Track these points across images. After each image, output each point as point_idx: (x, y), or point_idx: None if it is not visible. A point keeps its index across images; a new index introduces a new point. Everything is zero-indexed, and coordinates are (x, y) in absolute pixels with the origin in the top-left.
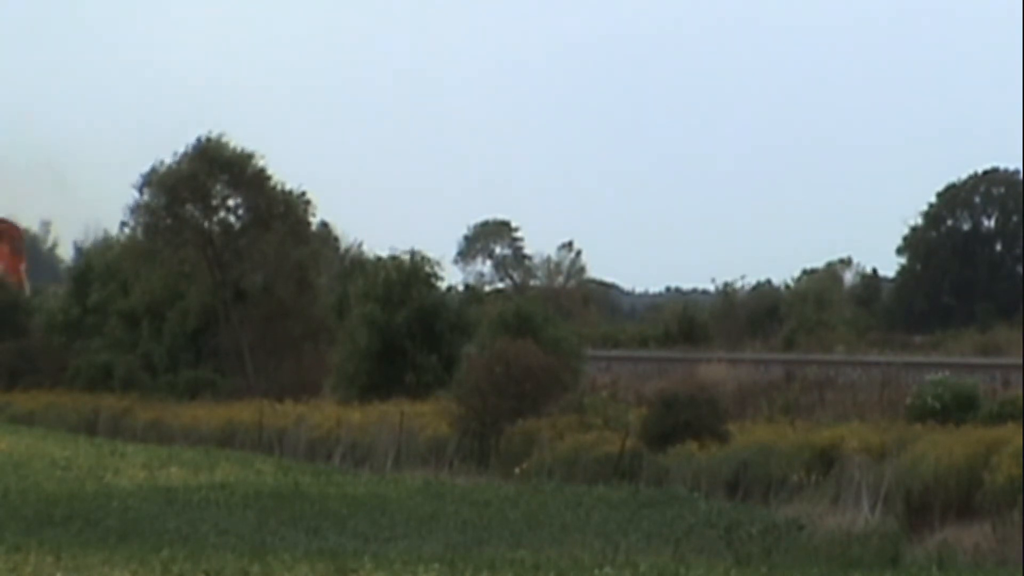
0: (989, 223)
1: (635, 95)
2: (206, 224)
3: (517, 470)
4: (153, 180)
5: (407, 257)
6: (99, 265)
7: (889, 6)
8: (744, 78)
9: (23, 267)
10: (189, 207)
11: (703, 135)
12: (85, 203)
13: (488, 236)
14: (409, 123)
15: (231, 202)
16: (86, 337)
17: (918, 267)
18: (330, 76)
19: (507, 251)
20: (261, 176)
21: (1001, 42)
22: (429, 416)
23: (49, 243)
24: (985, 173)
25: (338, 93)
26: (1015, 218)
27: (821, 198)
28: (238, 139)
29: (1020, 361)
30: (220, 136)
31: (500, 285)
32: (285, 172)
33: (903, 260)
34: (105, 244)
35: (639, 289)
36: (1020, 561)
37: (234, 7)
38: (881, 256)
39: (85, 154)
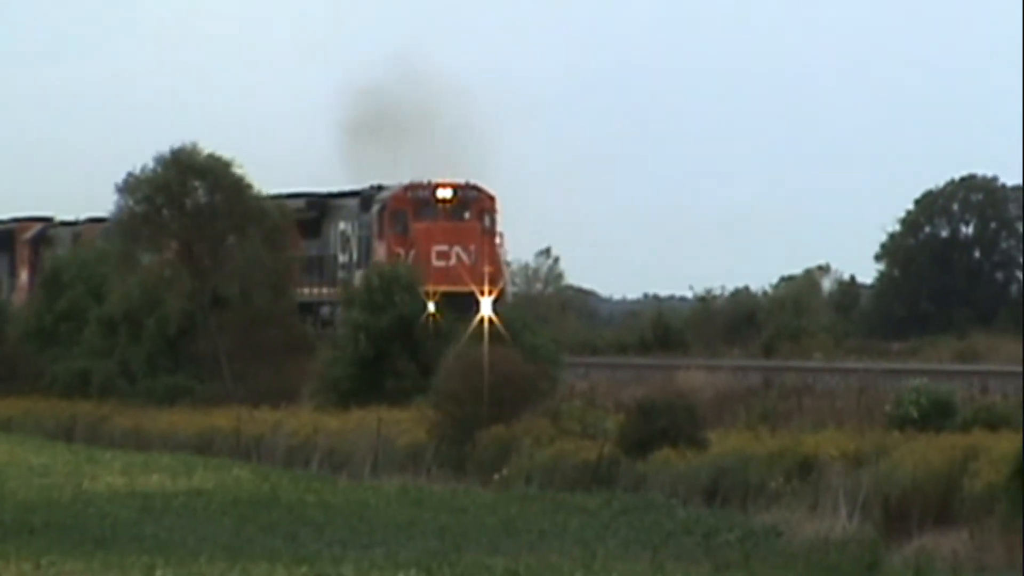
0: (967, 230)
1: (611, 101)
2: (184, 230)
3: (497, 476)
4: (130, 186)
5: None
6: (70, 270)
7: (867, 14)
8: (722, 84)
9: None
10: (166, 213)
11: (680, 142)
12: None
13: None
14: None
15: (209, 209)
16: (60, 343)
17: (896, 274)
18: (314, 79)
19: None
20: (239, 183)
21: (979, 49)
22: (407, 423)
23: None
24: (962, 180)
25: (315, 96)
26: (993, 225)
27: (799, 204)
28: (216, 146)
29: (999, 368)
30: (194, 144)
31: None
32: (264, 178)
33: (881, 267)
34: (74, 249)
35: (617, 296)
36: (999, 567)
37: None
38: (859, 263)
39: (62, 157)
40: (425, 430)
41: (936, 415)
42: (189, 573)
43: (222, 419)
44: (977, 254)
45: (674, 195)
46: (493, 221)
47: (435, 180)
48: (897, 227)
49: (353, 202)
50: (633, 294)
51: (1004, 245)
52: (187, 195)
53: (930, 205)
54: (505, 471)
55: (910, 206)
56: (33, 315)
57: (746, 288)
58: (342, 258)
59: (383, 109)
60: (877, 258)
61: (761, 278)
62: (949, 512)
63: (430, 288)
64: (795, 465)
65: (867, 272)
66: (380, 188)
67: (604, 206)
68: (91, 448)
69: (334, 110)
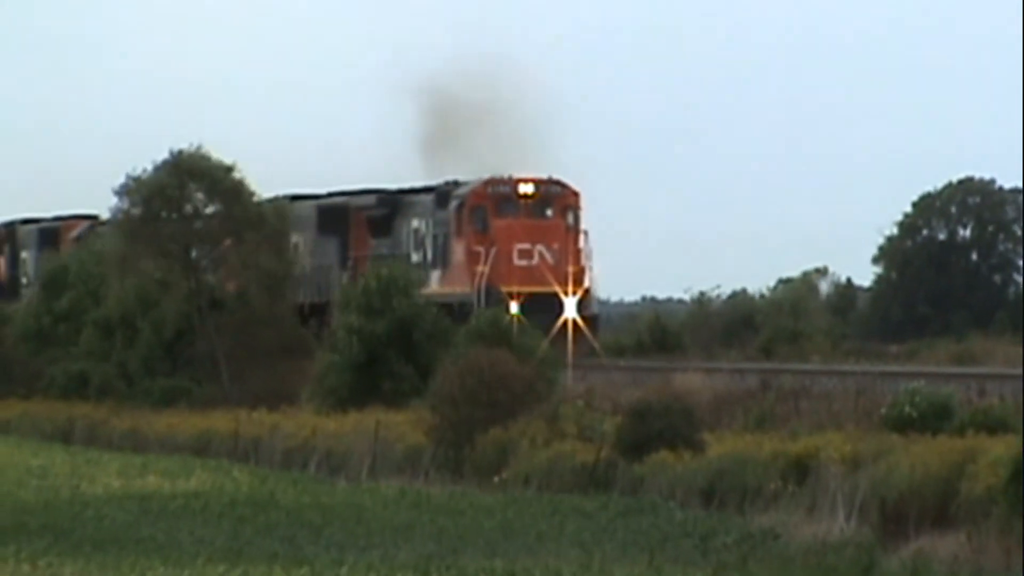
0: (964, 232)
1: (606, 103)
2: (181, 234)
3: (495, 479)
4: (129, 189)
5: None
6: (70, 271)
7: (863, 16)
8: (719, 87)
9: None
10: (165, 215)
11: (677, 144)
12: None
13: None
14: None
15: (207, 210)
16: (58, 345)
17: (893, 276)
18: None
19: None
20: (238, 186)
21: (976, 51)
22: (404, 425)
23: None
24: (960, 182)
25: (314, 101)
26: (990, 227)
27: (796, 207)
28: (218, 149)
29: (997, 371)
30: (199, 147)
31: None
32: (264, 181)
33: (878, 269)
34: (76, 250)
35: (614, 298)
36: (997, 570)
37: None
38: (856, 265)
39: (61, 161)
40: (423, 433)
41: (933, 418)
42: (186, 575)
43: (220, 421)
44: (975, 257)
45: (672, 198)
46: (577, 218)
47: (516, 175)
48: (894, 230)
49: (427, 198)
50: (631, 296)
51: (1001, 248)
52: (185, 199)
53: (927, 208)
54: (503, 474)
55: (907, 209)
56: (32, 316)
57: (743, 291)
58: (415, 257)
59: (450, 102)
60: (874, 261)
61: (758, 280)
62: (947, 515)
63: (512, 289)
64: (793, 467)
65: (864, 275)
66: (457, 184)
67: (601, 209)
68: (89, 450)
69: (400, 107)
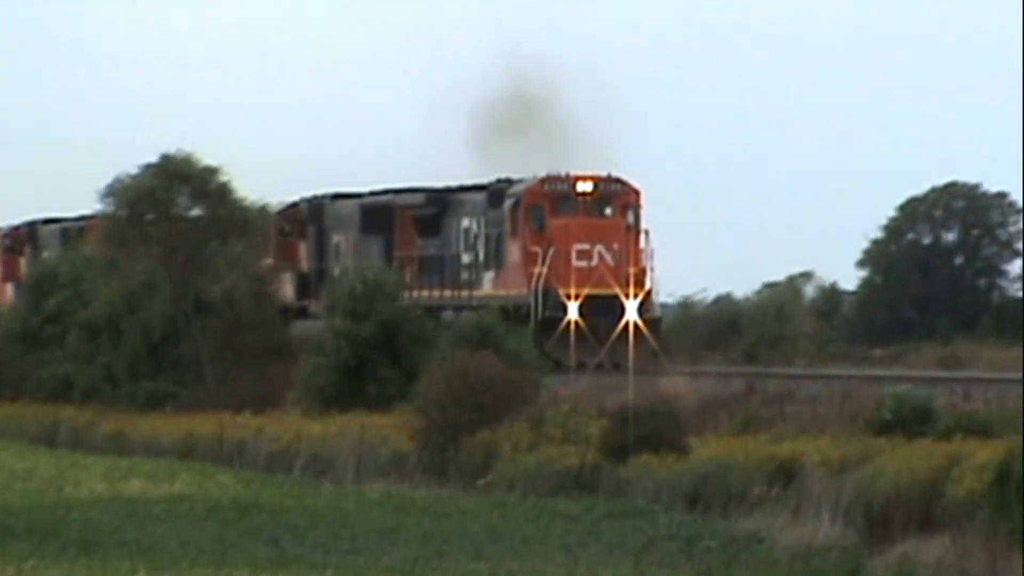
0: (949, 236)
1: (582, 108)
2: (167, 236)
3: (480, 482)
4: (116, 192)
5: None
6: (59, 273)
7: (847, 18)
8: (702, 89)
9: None
10: (150, 219)
11: (659, 147)
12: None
13: None
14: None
15: (193, 213)
16: (45, 347)
17: (879, 280)
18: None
19: None
20: (224, 189)
21: (963, 54)
22: (390, 428)
23: None
24: (945, 187)
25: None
26: (975, 231)
27: (781, 211)
28: (205, 152)
29: (982, 375)
30: (186, 151)
31: None
32: (252, 185)
33: (864, 273)
34: (63, 252)
35: None
36: (981, 574)
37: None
38: (842, 269)
39: (50, 162)
40: (408, 436)
41: (917, 421)
42: None
43: (204, 424)
44: (960, 260)
45: (655, 201)
46: (638, 217)
47: (574, 172)
48: (880, 234)
49: (479, 197)
50: None
51: (986, 252)
52: (171, 202)
53: (913, 212)
54: (488, 477)
55: (893, 213)
56: (18, 318)
57: (728, 294)
58: (466, 258)
59: (500, 98)
60: (859, 264)
61: (744, 284)
62: (931, 519)
63: (571, 290)
64: (777, 471)
65: (850, 279)
66: (510, 181)
67: None
68: (74, 453)
69: (448, 103)
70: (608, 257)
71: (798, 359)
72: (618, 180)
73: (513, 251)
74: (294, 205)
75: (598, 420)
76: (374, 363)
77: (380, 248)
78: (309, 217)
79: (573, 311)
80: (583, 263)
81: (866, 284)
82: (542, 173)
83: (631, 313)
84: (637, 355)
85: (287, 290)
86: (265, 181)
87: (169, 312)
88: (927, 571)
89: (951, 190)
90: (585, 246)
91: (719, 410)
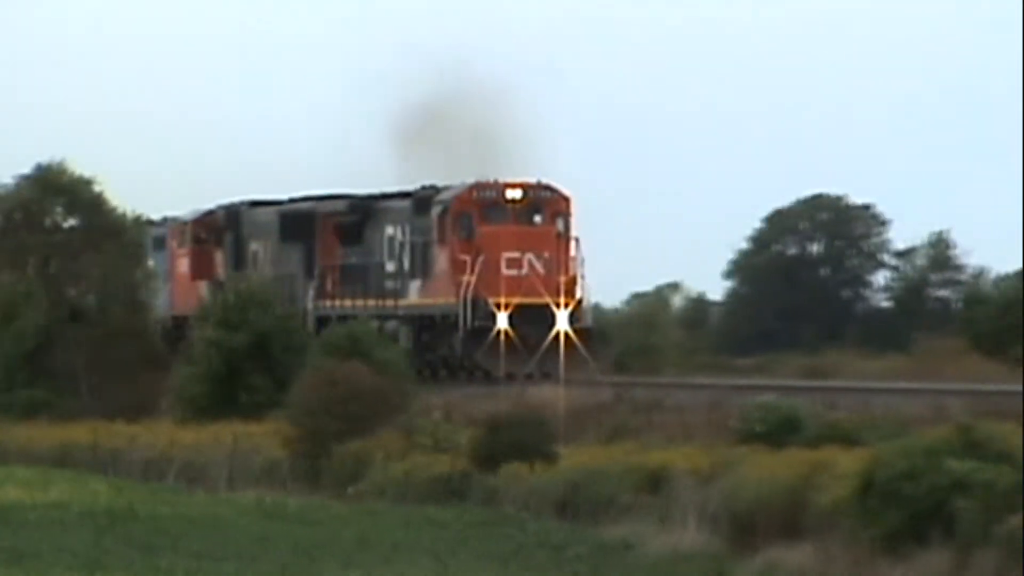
0: (815, 248)
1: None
2: (42, 247)
3: (351, 490)
4: None
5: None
6: None
7: (722, 28)
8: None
9: None
10: (24, 231)
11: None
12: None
13: None
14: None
15: (68, 223)
16: None
17: (744, 291)
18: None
19: None
20: (98, 199)
21: (828, 66)
22: (262, 437)
23: None
24: (811, 198)
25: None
26: (839, 243)
27: (650, 222)
28: (82, 163)
29: (847, 384)
30: (60, 162)
31: None
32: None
33: (730, 284)
34: None
35: None
36: None
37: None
38: (709, 280)
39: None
40: (280, 444)
41: (782, 430)
42: None
43: (79, 433)
44: (824, 272)
45: None
46: (568, 225)
47: (503, 179)
48: (746, 244)
49: (404, 204)
50: None
51: (850, 263)
52: (46, 213)
53: (778, 223)
54: (359, 484)
55: (759, 224)
56: None
57: (597, 305)
58: (391, 267)
59: (424, 103)
60: (726, 275)
61: (612, 295)
62: (796, 526)
63: (501, 299)
64: (646, 479)
65: (716, 289)
66: (436, 189)
67: None
68: None
69: (368, 109)
70: (539, 265)
71: (666, 369)
72: (548, 187)
73: (441, 259)
74: (210, 213)
75: (468, 429)
76: (246, 372)
77: (300, 257)
78: (226, 225)
79: (503, 321)
80: (513, 272)
81: (732, 295)
82: (471, 180)
83: (562, 323)
84: (568, 364)
85: (203, 299)
86: (183, 191)
87: (43, 322)
88: None
89: (816, 202)
90: (515, 254)
91: (588, 419)
